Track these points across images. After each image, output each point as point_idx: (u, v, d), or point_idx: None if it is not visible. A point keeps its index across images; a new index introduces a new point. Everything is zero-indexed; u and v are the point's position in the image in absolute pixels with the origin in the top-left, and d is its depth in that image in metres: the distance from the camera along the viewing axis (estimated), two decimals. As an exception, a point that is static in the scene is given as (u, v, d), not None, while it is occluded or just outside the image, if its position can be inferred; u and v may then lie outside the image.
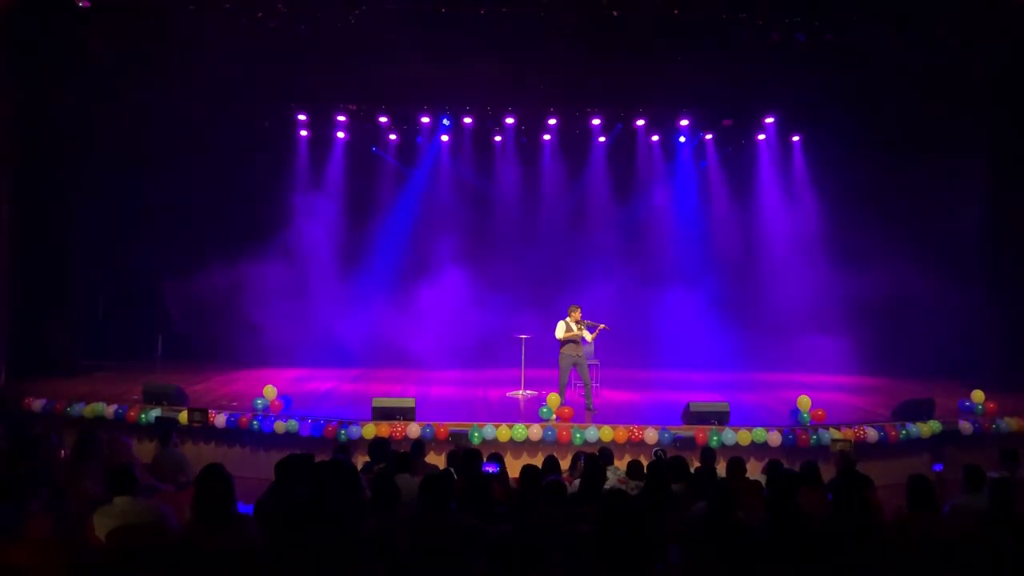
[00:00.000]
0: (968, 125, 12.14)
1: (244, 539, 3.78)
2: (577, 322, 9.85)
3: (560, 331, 9.86)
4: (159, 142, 12.44)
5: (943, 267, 11.92)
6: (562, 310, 10.12)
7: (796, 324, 12.95)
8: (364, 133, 14.30)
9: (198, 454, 8.45)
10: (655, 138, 14.54)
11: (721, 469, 6.43)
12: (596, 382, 11.09)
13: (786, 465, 6.44)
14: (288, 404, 9.65)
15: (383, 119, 13.74)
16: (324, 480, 4.72)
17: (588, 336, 9.94)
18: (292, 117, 13.77)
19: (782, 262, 13.84)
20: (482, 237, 14.50)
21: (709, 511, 4.15)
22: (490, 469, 6.30)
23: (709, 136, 14.42)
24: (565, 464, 7.08)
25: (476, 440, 8.55)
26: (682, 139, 14.46)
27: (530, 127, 14.26)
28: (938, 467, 7.23)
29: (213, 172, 13.13)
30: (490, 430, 8.71)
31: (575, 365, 9.85)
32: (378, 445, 6.71)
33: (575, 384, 10.45)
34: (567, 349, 9.82)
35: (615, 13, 10.49)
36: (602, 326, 9.94)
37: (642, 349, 13.47)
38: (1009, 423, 9.25)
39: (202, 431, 9.01)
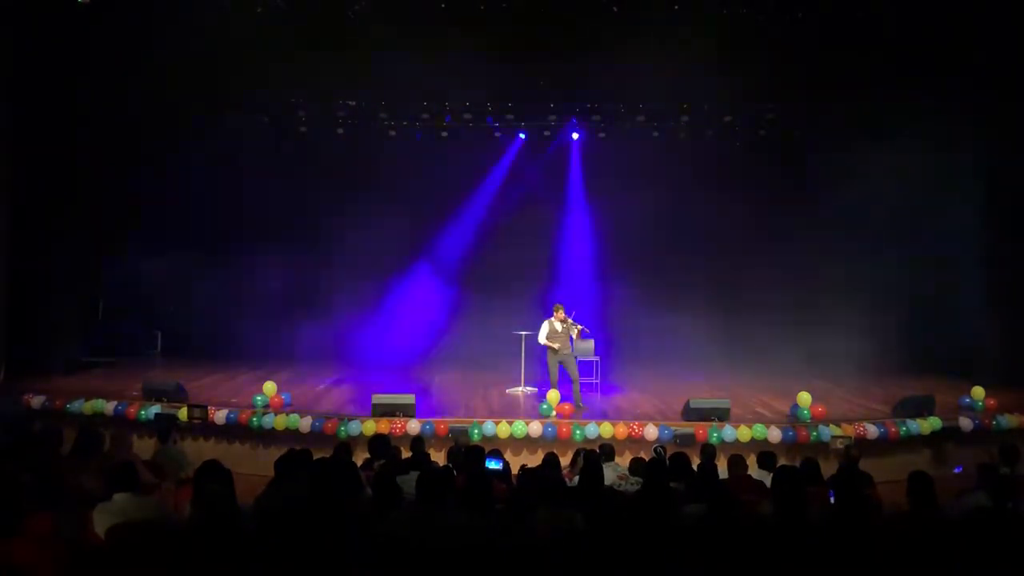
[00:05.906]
0: (969, 120, 12.06)
1: (243, 536, 3.78)
2: (562, 321, 9.88)
3: (543, 335, 9.93)
4: (158, 140, 12.40)
5: (943, 263, 11.88)
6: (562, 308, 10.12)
7: (795, 322, 12.92)
8: (363, 130, 14.24)
9: (198, 450, 8.45)
10: (655, 134, 14.51)
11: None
12: (596, 379, 11.09)
13: (786, 462, 6.44)
14: (288, 400, 9.64)
15: (382, 115, 13.69)
16: (324, 477, 4.72)
17: (575, 332, 9.96)
18: (291, 113, 13.72)
19: (780, 258, 13.79)
20: (482, 234, 14.47)
21: (709, 509, 4.15)
22: (494, 464, 6.29)
23: (710, 132, 14.36)
24: (566, 461, 7.09)
25: (476, 437, 8.54)
26: (682, 135, 14.41)
27: (528, 124, 14.21)
28: (958, 469, 7.29)
29: (212, 169, 13.08)
30: (490, 426, 8.71)
31: (561, 362, 9.89)
32: (378, 442, 6.71)
33: (565, 381, 10.45)
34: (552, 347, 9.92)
35: (615, 9, 10.47)
36: (579, 327, 9.98)
37: (642, 347, 13.44)
38: (1009, 419, 9.23)
39: (202, 427, 9.01)
